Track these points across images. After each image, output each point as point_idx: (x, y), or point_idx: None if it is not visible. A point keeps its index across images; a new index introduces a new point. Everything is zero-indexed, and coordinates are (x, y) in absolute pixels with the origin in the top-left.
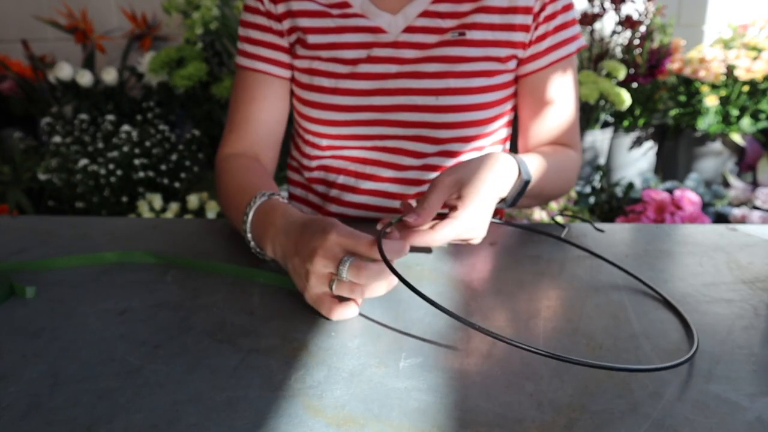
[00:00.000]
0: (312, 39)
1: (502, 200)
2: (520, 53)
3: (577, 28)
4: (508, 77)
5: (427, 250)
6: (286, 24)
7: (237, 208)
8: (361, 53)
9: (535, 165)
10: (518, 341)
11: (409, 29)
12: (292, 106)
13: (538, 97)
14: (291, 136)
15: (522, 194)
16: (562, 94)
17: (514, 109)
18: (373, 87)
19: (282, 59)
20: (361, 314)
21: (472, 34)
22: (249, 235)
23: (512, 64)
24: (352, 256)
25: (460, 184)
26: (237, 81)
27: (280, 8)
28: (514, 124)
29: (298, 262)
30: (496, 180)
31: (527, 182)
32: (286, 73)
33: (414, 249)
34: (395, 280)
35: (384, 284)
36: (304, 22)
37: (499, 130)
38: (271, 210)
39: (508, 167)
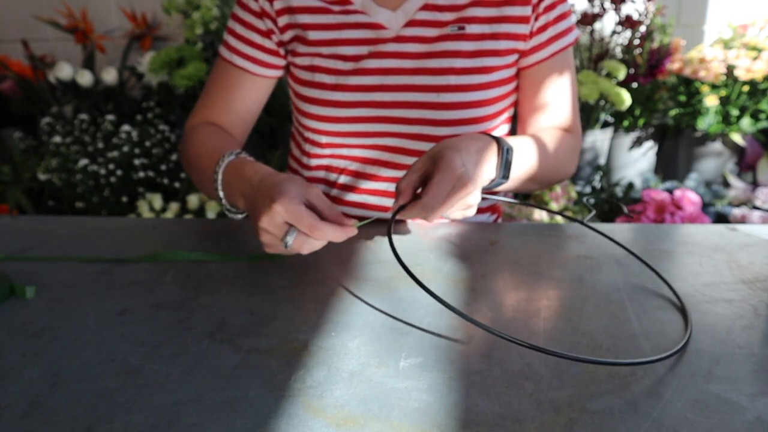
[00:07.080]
0: (312, 35)
1: (491, 181)
2: (522, 45)
3: (573, 18)
4: (508, 73)
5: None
6: (281, 21)
7: (207, 169)
8: (362, 50)
9: (519, 143)
10: (518, 338)
11: (410, 23)
12: (292, 103)
13: (539, 89)
14: (291, 135)
15: (508, 167)
16: (562, 84)
17: (514, 105)
18: (376, 83)
19: (262, 59)
20: (361, 314)
21: (471, 28)
22: (221, 193)
23: (512, 59)
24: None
25: (435, 156)
26: (216, 68)
27: (278, 4)
28: (513, 121)
29: (252, 219)
30: (472, 145)
31: (508, 150)
32: (265, 72)
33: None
34: (349, 231)
35: (339, 235)
36: (304, 19)
37: (500, 126)
38: (240, 165)
39: (483, 140)
